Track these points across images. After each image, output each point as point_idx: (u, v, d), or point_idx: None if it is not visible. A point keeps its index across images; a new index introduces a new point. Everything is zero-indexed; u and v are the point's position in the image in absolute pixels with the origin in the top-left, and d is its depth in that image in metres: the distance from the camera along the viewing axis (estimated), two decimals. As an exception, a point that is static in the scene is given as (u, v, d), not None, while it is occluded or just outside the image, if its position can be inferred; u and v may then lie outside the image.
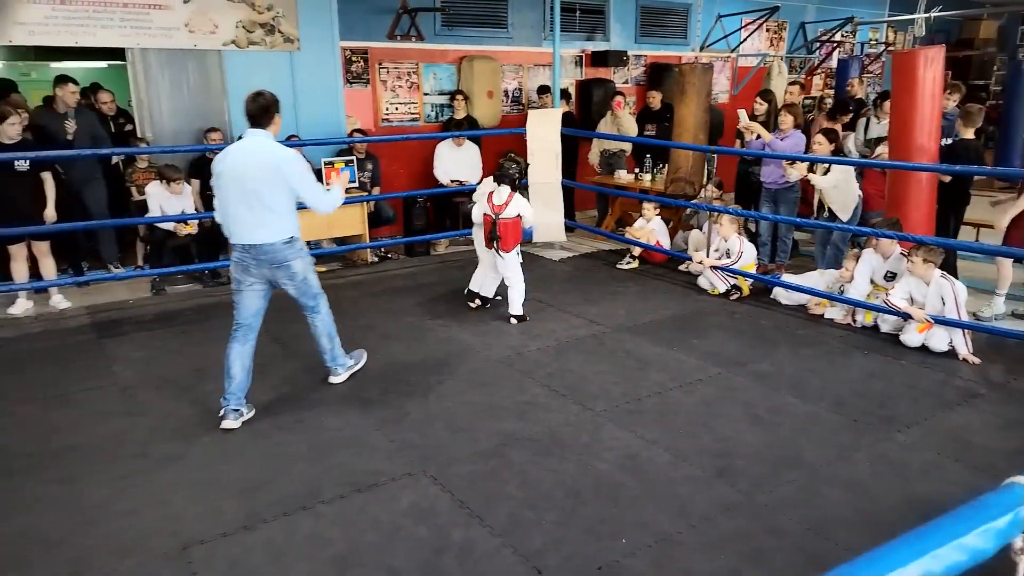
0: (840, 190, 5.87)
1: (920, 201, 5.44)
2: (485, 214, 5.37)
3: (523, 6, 8.84)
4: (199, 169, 6.81)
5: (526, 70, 9.08)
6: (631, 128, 8.14)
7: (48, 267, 5.85)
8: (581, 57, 9.55)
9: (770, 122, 6.77)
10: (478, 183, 6.00)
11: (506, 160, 5.45)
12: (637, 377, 4.46)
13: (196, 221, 6.43)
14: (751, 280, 6.14)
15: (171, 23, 6.48)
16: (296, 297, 4.07)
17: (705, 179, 7.23)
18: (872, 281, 5.28)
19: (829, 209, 6.00)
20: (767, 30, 11.04)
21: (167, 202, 6.28)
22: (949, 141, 5.73)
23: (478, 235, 5.52)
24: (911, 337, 4.87)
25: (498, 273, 5.58)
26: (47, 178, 5.72)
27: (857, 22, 11.01)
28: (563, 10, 8.01)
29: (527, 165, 5.64)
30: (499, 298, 5.66)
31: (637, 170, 8.12)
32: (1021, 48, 11.94)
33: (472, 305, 5.70)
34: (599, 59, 9.52)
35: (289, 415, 3.98)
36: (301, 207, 3.91)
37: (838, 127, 7.07)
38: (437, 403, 4.12)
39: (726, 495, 3.19)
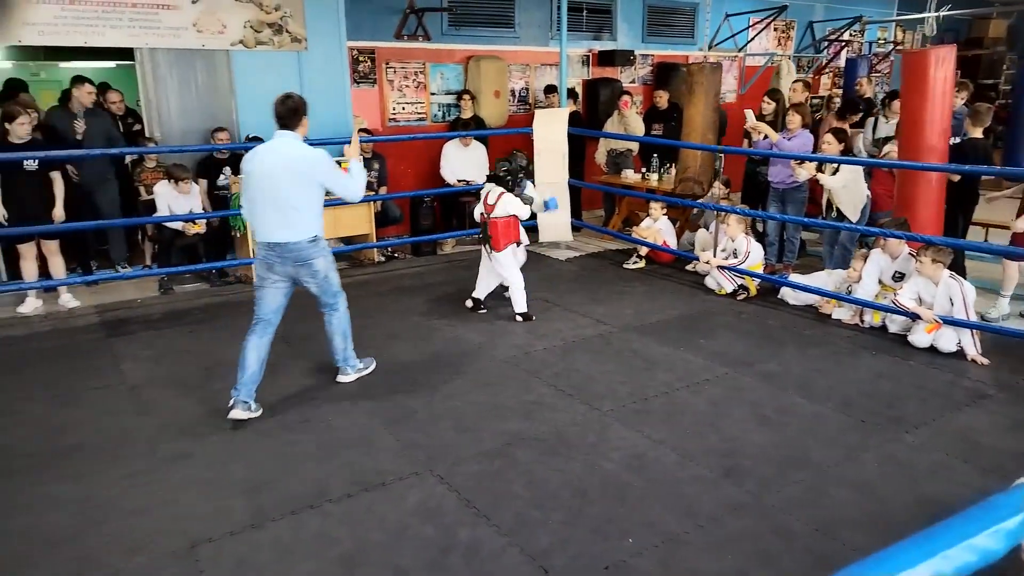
0: (849, 190, 5.85)
1: (929, 201, 5.41)
2: (480, 214, 5.42)
3: (530, 6, 8.84)
4: (207, 169, 6.85)
5: (533, 70, 9.08)
6: (638, 128, 8.13)
7: (57, 266, 5.88)
8: (588, 57, 9.54)
9: (778, 122, 6.75)
10: (484, 183, 6.00)
11: (499, 160, 5.50)
12: (644, 377, 4.45)
13: (204, 220, 6.45)
14: (758, 280, 6.12)
15: (179, 23, 6.51)
16: (317, 295, 4.15)
17: (712, 179, 7.21)
18: (880, 281, 5.26)
19: (837, 209, 5.97)
20: (775, 29, 11.00)
21: (175, 201, 6.31)
22: (957, 140, 5.70)
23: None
24: (919, 337, 4.84)
25: (494, 275, 5.59)
26: (56, 178, 5.75)
27: (865, 21, 10.97)
28: (570, 9, 8.01)
29: (523, 163, 5.63)
30: (506, 294, 5.65)
31: (644, 170, 8.11)
32: (1031, 47, 11.87)
33: (467, 305, 5.69)
34: (606, 59, 9.52)
35: (296, 414, 3.99)
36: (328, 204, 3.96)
37: (847, 126, 7.04)
38: (444, 403, 4.12)
39: (733, 495, 3.18)
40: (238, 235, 6.68)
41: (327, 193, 4.00)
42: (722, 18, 9.86)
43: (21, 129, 5.46)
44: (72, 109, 6.20)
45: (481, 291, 5.67)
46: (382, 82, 7.94)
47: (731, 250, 6.16)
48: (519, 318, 5.44)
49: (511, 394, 4.22)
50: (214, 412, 4.00)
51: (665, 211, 7.09)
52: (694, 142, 7.00)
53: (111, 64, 9.91)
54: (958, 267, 5.46)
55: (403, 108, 8.16)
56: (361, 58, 7.75)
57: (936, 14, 5.80)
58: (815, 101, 10.43)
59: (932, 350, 4.80)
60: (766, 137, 6.36)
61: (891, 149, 6.13)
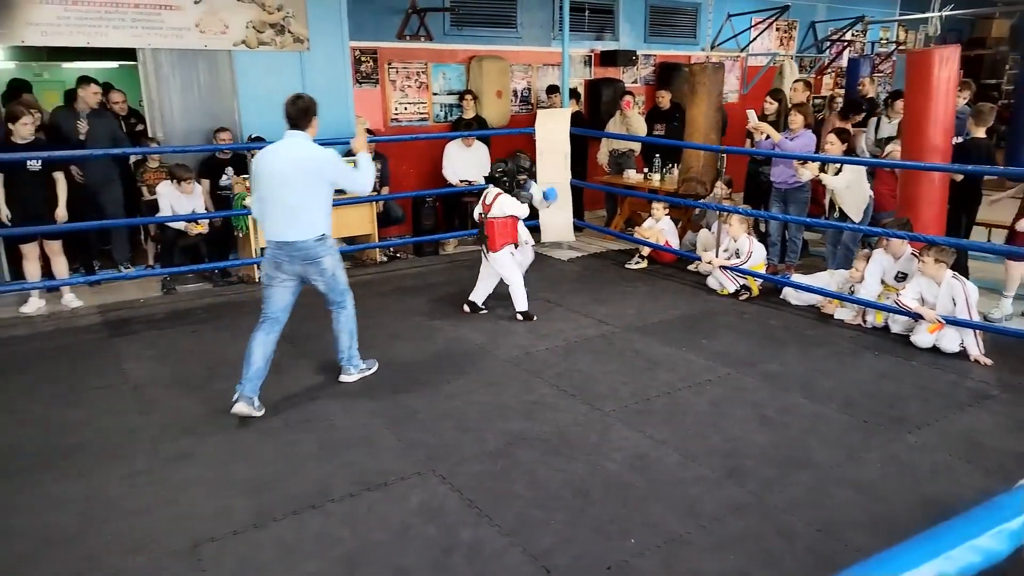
0: (852, 190, 5.85)
1: (931, 200, 5.41)
2: (479, 214, 5.44)
3: (532, 6, 8.84)
4: (209, 169, 6.85)
5: (535, 70, 9.08)
6: (640, 128, 8.12)
7: (60, 266, 5.89)
8: (590, 57, 9.54)
9: (780, 122, 6.74)
10: (485, 184, 6.01)
11: (496, 161, 5.53)
12: (646, 377, 4.45)
13: (206, 220, 6.46)
14: (760, 280, 6.12)
15: (182, 23, 6.52)
16: (324, 293, 4.18)
17: (715, 179, 7.21)
18: (883, 281, 5.26)
19: (840, 209, 5.97)
20: (777, 29, 11.00)
21: (178, 202, 6.31)
22: (960, 140, 5.69)
23: None
24: (922, 338, 4.84)
25: (493, 278, 5.59)
26: (59, 178, 5.76)
27: (868, 21, 10.95)
28: (572, 10, 8.01)
29: (526, 164, 5.64)
30: (484, 310, 5.65)
31: (646, 170, 8.11)
32: (1034, 47, 11.85)
33: (465, 310, 5.67)
34: (608, 59, 9.51)
35: (299, 414, 4.00)
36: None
37: (850, 126, 7.03)
38: (446, 402, 4.12)
39: (735, 495, 3.18)
40: (240, 235, 6.69)
41: (336, 192, 4.06)
42: (724, 18, 9.86)
43: (24, 129, 5.48)
44: (77, 109, 6.21)
45: (478, 295, 5.66)
46: (384, 82, 7.95)
47: (733, 250, 6.15)
48: (519, 316, 5.44)
49: (513, 394, 4.22)
50: (216, 412, 4.00)
51: (667, 211, 7.09)
52: (697, 142, 7.00)
53: (114, 64, 9.93)
54: (961, 267, 5.46)
55: (405, 108, 8.16)
56: (363, 58, 7.76)
57: (940, 14, 5.79)
58: (817, 101, 10.42)
59: (935, 350, 4.79)
60: (768, 137, 6.36)
61: (893, 149, 6.13)
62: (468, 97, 7.99)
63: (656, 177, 7.88)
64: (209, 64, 6.84)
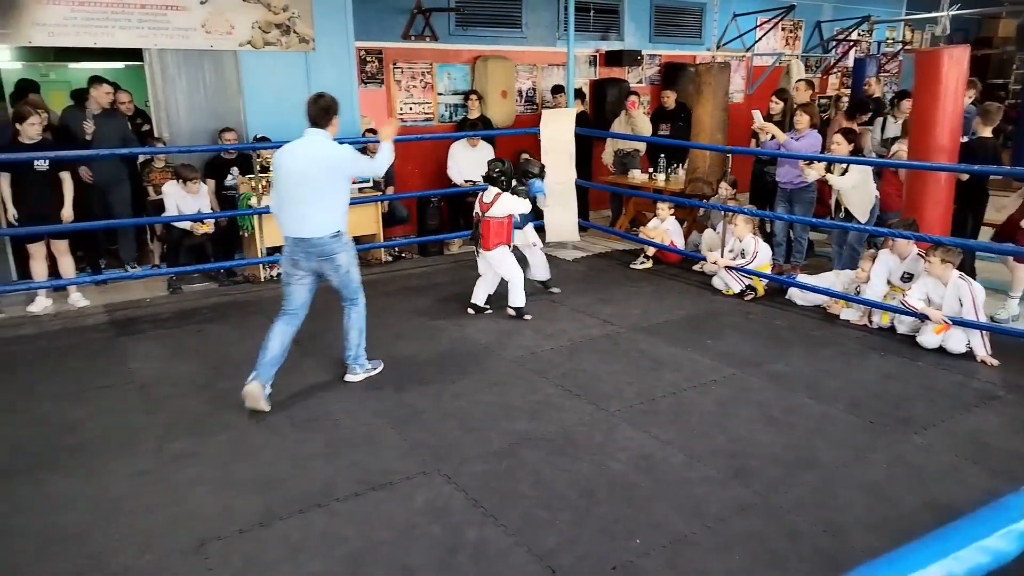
0: (858, 190, 5.83)
1: (937, 200, 5.39)
2: (475, 212, 5.45)
3: (537, 6, 8.84)
4: (215, 169, 6.87)
5: (540, 70, 9.08)
6: (645, 128, 8.12)
7: (67, 266, 5.92)
8: (595, 57, 9.54)
9: (785, 121, 6.73)
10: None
11: (492, 160, 5.55)
12: (651, 377, 4.44)
13: (212, 220, 6.48)
14: (766, 280, 6.11)
15: (188, 24, 6.54)
16: (338, 288, 4.24)
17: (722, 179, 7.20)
18: (889, 282, 5.24)
19: (846, 209, 5.95)
20: (782, 29, 10.97)
21: (183, 201, 6.33)
22: (966, 139, 5.68)
23: None
24: (928, 338, 4.82)
25: (492, 278, 5.59)
26: (65, 178, 5.78)
27: (874, 21, 10.93)
28: (577, 10, 8.00)
29: (536, 169, 5.67)
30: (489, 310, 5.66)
31: (651, 170, 8.10)
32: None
33: (469, 312, 5.67)
34: (613, 59, 9.51)
35: (304, 413, 4.01)
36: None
37: (856, 126, 7.01)
38: (451, 402, 4.13)
39: (741, 496, 3.17)
40: (246, 235, 6.71)
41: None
42: (730, 18, 9.84)
43: (32, 129, 5.50)
44: (90, 109, 6.23)
45: (479, 297, 5.65)
46: (389, 82, 7.96)
47: (739, 250, 6.14)
48: (511, 312, 5.45)
49: (518, 394, 4.22)
50: (222, 411, 4.02)
51: (672, 211, 7.08)
52: (703, 142, 6.99)
53: (120, 65, 9.96)
54: (968, 268, 5.44)
55: (410, 108, 8.17)
56: (368, 58, 7.76)
57: (947, 13, 5.78)
58: (823, 101, 10.40)
59: (941, 351, 4.77)
60: (773, 137, 6.34)
61: (900, 149, 6.11)
62: (473, 97, 8.00)
63: (661, 177, 7.87)
64: (215, 64, 6.86)
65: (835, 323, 5.43)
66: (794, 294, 5.90)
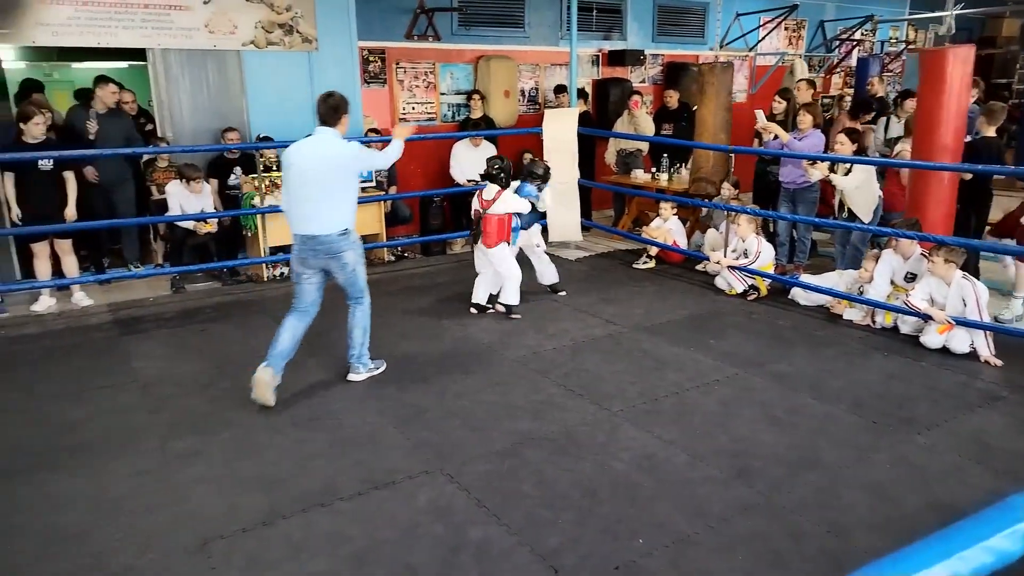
0: (862, 191, 5.82)
1: (940, 200, 5.38)
2: (475, 210, 5.46)
3: (540, 5, 8.84)
4: (218, 168, 6.88)
5: (543, 69, 9.07)
6: (648, 127, 8.11)
7: (70, 265, 5.93)
8: (598, 56, 9.53)
9: (788, 121, 6.72)
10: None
11: (491, 158, 5.56)
12: (654, 377, 4.44)
13: (215, 220, 6.48)
14: (769, 280, 6.10)
15: (191, 24, 6.55)
16: (344, 287, 4.27)
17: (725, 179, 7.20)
18: (892, 282, 5.23)
19: (849, 209, 5.94)
20: (785, 28, 10.96)
21: (187, 201, 6.34)
22: (969, 138, 5.67)
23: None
24: (931, 338, 4.81)
25: (493, 276, 5.59)
26: (69, 177, 5.79)
27: (877, 20, 10.91)
28: (580, 9, 8.00)
29: (540, 170, 5.68)
30: (491, 308, 5.67)
31: (654, 170, 8.09)
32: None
33: (472, 312, 5.67)
34: (616, 58, 9.51)
35: (307, 412, 4.01)
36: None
37: (859, 126, 7.00)
38: (454, 402, 4.13)
39: (744, 496, 3.17)
40: (249, 234, 6.72)
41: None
42: (732, 17, 9.83)
43: (36, 129, 5.51)
44: (95, 108, 6.25)
45: (480, 296, 5.65)
46: (392, 82, 7.96)
47: (742, 250, 6.14)
48: (501, 307, 5.46)
49: (521, 394, 4.22)
50: (225, 410, 4.03)
51: (675, 211, 7.08)
52: (706, 142, 6.98)
53: (123, 64, 9.98)
54: (971, 268, 5.43)
55: (413, 108, 8.17)
56: (371, 58, 7.77)
57: (952, 12, 5.76)
58: (826, 101, 10.38)
59: (944, 351, 4.77)
60: (776, 137, 6.33)
61: (903, 149, 6.10)
62: (476, 97, 8.00)
63: (664, 177, 7.86)
64: (218, 64, 6.87)
65: (838, 323, 5.42)
66: (797, 294, 5.90)
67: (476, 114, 7.98)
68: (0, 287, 5.78)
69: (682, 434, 3.72)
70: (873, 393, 4.21)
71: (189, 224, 6.36)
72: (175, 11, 6.45)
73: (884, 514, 3.04)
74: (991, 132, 5.53)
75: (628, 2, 9.58)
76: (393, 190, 7.43)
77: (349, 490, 3.24)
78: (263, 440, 3.71)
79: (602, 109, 9.24)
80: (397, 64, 7.96)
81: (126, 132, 6.40)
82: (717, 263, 6.22)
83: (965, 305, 4.69)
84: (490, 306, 5.66)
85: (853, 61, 11.41)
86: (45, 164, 5.57)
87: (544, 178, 5.70)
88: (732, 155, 7.13)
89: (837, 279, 5.74)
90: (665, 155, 7.97)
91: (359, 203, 4.41)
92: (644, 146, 8.35)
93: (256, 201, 6.44)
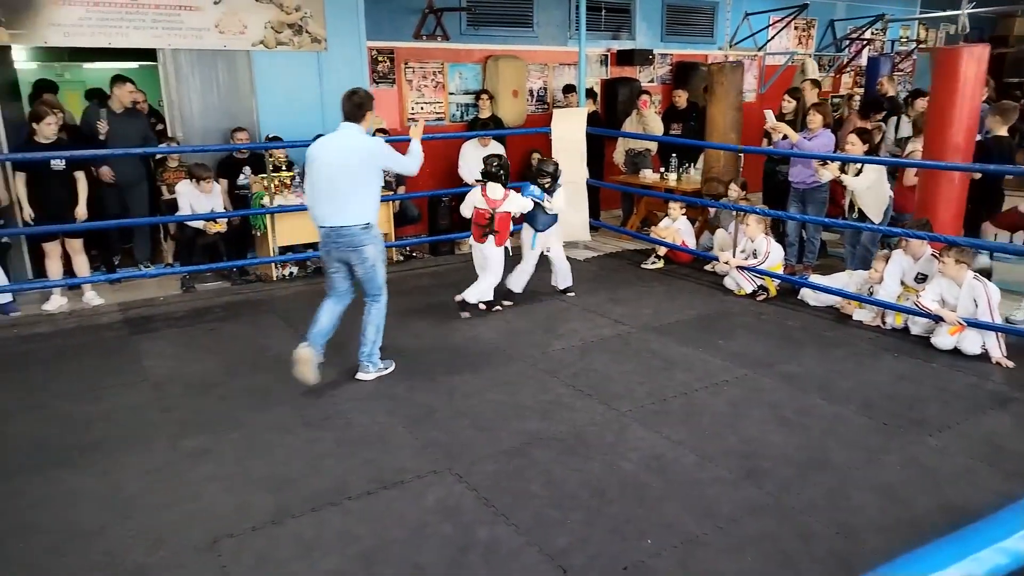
0: (873, 191, 5.79)
1: (950, 199, 5.35)
2: (479, 208, 5.44)
3: (549, 5, 8.84)
4: (228, 168, 6.91)
5: (551, 69, 9.07)
6: (657, 127, 8.10)
7: (81, 264, 5.97)
8: (607, 56, 9.52)
9: (797, 120, 6.70)
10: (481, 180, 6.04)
11: (488, 156, 5.59)
12: (662, 377, 4.44)
13: (225, 219, 6.51)
14: (778, 281, 6.08)
15: (201, 24, 6.58)
16: (362, 281, 4.33)
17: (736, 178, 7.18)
18: (903, 283, 5.21)
19: (859, 209, 5.92)
20: (795, 28, 10.92)
21: (197, 201, 6.38)
22: (979, 138, 5.63)
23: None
24: (942, 339, 4.79)
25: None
26: (80, 177, 5.83)
27: (888, 19, 10.85)
28: (589, 9, 7.99)
29: (550, 168, 5.70)
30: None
31: (662, 169, 8.08)
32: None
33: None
34: (625, 58, 9.49)
35: (317, 411, 4.02)
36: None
37: (870, 126, 6.97)
38: (462, 401, 4.13)
39: (753, 497, 3.16)
40: (258, 234, 6.74)
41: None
42: (742, 17, 9.80)
43: (48, 129, 5.55)
44: (112, 108, 6.29)
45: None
46: (401, 82, 7.98)
47: (751, 250, 6.12)
48: (460, 299, 5.47)
49: (529, 393, 4.22)
50: (235, 409, 4.04)
51: (684, 211, 7.06)
52: (716, 142, 6.96)
53: (133, 64, 10.04)
54: (983, 268, 5.39)
55: (422, 108, 8.18)
56: (380, 58, 7.78)
57: (965, 11, 5.73)
58: (835, 100, 10.34)
59: (955, 352, 4.74)
60: (785, 137, 6.31)
61: (914, 149, 6.06)
62: (484, 97, 8.00)
63: (673, 177, 7.85)
64: (228, 64, 6.90)
65: (848, 324, 5.40)
66: (806, 295, 5.87)
67: (485, 114, 7.99)
68: (12, 286, 5.82)
69: (691, 434, 3.72)
70: (883, 394, 4.19)
71: (199, 224, 6.39)
72: (185, 11, 6.49)
73: (894, 516, 3.03)
74: (1003, 131, 5.50)
75: (637, 2, 9.56)
76: (401, 190, 7.44)
77: (358, 489, 3.25)
78: (273, 439, 3.73)
79: (611, 109, 9.22)
80: (406, 64, 7.97)
81: (143, 132, 6.44)
82: (726, 263, 6.20)
83: (976, 306, 4.66)
84: (505, 303, 5.70)
85: (863, 61, 11.36)
86: (57, 164, 5.61)
87: (555, 177, 5.71)
88: (742, 155, 7.10)
89: (847, 280, 5.71)
90: (674, 155, 7.95)
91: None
92: (653, 146, 8.33)
93: (265, 201, 6.46)
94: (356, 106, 4.13)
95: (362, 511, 3.09)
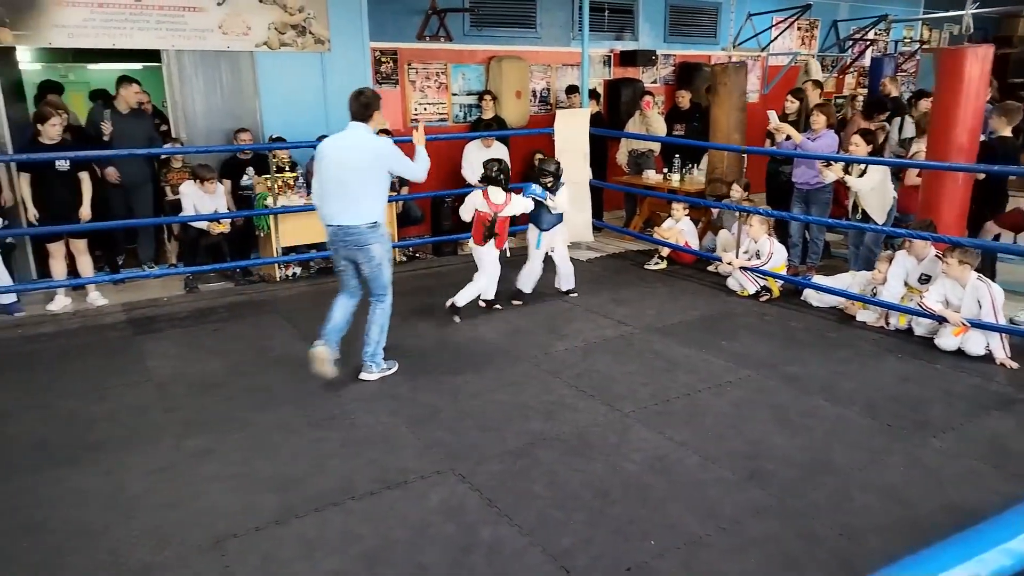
0: (877, 192, 5.79)
1: (954, 200, 5.34)
2: (481, 211, 5.45)
3: (552, 6, 8.84)
4: (231, 169, 6.93)
5: (554, 70, 9.07)
6: (660, 128, 8.10)
7: (85, 265, 5.99)
8: (610, 57, 9.52)
9: (800, 121, 6.69)
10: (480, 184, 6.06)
11: (488, 161, 5.60)
12: (665, 378, 4.43)
13: (228, 220, 6.52)
14: (781, 282, 6.07)
15: (205, 25, 6.60)
16: (368, 280, 4.36)
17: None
18: (906, 284, 5.20)
19: (863, 210, 5.91)
20: (798, 28, 10.91)
21: (200, 201, 6.39)
22: (983, 138, 5.62)
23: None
24: (946, 341, 4.78)
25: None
26: (84, 178, 5.85)
27: (891, 20, 10.85)
28: (592, 10, 8.00)
29: (551, 167, 5.71)
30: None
31: (666, 170, 8.08)
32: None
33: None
34: (628, 59, 9.49)
35: (320, 412, 4.03)
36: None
37: (874, 126, 6.96)
38: (466, 402, 4.14)
39: (756, 498, 3.16)
40: (261, 235, 6.76)
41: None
42: (745, 17, 9.80)
43: (52, 130, 5.57)
44: (118, 109, 6.30)
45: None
46: (404, 83, 7.99)
47: (754, 251, 6.11)
48: (450, 305, 5.45)
49: (533, 394, 4.22)
50: (239, 409, 4.05)
51: (687, 212, 7.06)
52: (720, 143, 6.96)
53: (137, 65, 10.06)
54: (987, 269, 5.39)
55: (425, 109, 8.19)
56: (383, 59, 7.79)
57: (969, 12, 5.73)
58: (839, 101, 10.32)
59: (959, 353, 4.73)
60: (789, 138, 6.31)
61: (919, 150, 6.05)
62: (487, 97, 8.01)
63: (676, 177, 7.85)
64: (231, 65, 6.92)
65: (851, 325, 5.39)
66: (810, 295, 5.87)
67: (488, 115, 7.99)
68: (17, 286, 5.84)
69: (694, 436, 3.71)
70: (887, 395, 4.18)
71: (203, 224, 6.40)
72: (189, 12, 6.50)
73: (897, 517, 3.02)
74: (1007, 132, 5.49)
75: (640, 2, 9.56)
76: (405, 190, 7.45)
77: (362, 490, 3.25)
78: (276, 439, 3.73)
79: (614, 109, 9.23)
80: (409, 65, 7.98)
81: (149, 132, 6.46)
82: (729, 264, 6.20)
83: (980, 307, 4.65)
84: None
85: (866, 61, 11.35)
86: (62, 165, 5.63)
87: (557, 176, 5.71)
88: (745, 155, 7.10)
89: (850, 280, 5.71)
90: (677, 156, 7.95)
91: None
92: (656, 147, 8.33)
93: (269, 201, 6.48)
94: (363, 106, 4.16)
95: (365, 511, 3.09)
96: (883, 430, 3.78)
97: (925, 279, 5.09)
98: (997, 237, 5.83)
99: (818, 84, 7.53)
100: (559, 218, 5.80)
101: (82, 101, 8.67)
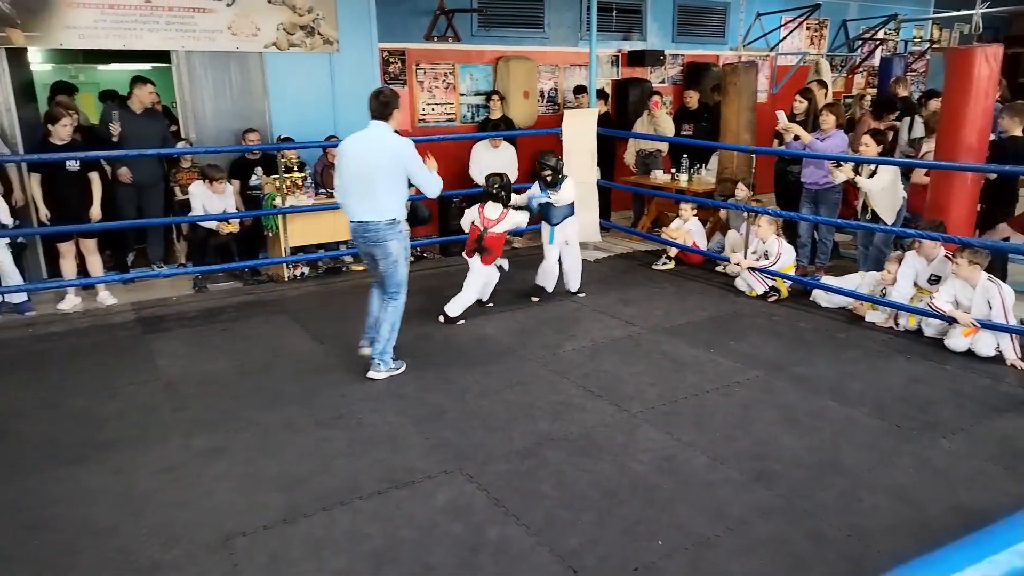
0: (887, 192, 5.76)
1: (963, 200, 5.31)
2: (474, 224, 5.49)
3: (559, 6, 8.84)
4: (240, 169, 6.95)
5: (562, 70, 9.07)
6: (668, 128, 8.08)
7: (95, 264, 6.02)
8: (618, 57, 9.51)
9: (809, 121, 6.66)
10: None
11: (490, 175, 5.62)
12: (673, 379, 4.43)
13: (237, 220, 6.55)
14: (790, 282, 6.05)
15: (214, 26, 6.62)
16: (383, 276, 4.42)
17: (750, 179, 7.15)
18: (916, 284, 5.17)
19: (872, 210, 5.88)
20: (807, 28, 10.87)
21: (209, 201, 6.42)
22: (992, 137, 5.59)
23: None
24: (956, 341, 4.75)
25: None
26: (94, 178, 5.88)
27: (901, 19, 10.79)
28: (600, 10, 7.98)
29: (552, 162, 5.69)
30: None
31: (673, 170, 8.06)
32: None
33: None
34: (636, 59, 9.48)
35: (328, 411, 4.04)
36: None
37: (884, 127, 6.92)
38: (473, 402, 4.14)
39: (764, 499, 3.15)
40: (270, 235, 6.78)
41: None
42: (754, 17, 9.77)
43: (63, 131, 5.60)
44: (132, 109, 6.33)
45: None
46: (412, 83, 8.00)
47: (762, 251, 6.10)
48: (443, 318, 5.45)
49: (540, 394, 4.22)
50: (247, 408, 4.07)
51: (695, 212, 7.04)
52: (730, 142, 6.94)
53: (147, 66, 10.12)
54: (998, 270, 5.35)
55: (433, 109, 8.20)
56: (392, 59, 7.81)
57: (979, 11, 5.70)
58: (847, 100, 10.28)
59: (969, 354, 4.70)
60: (797, 138, 6.28)
61: (929, 150, 6.02)
62: (495, 98, 8.01)
63: (684, 177, 7.83)
64: (240, 66, 6.94)
65: (860, 325, 5.37)
66: (818, 296, 5.84)
67: (495, 115, 8.00)
68: (27, 286, 5.88)
69: (702, 436, 3.71)
70: (896, 396, 4.16)
71: (211, 224, 6.43)
72: (199, 13, 6.53)
73: (906, 518, 3.01)
74: (1018, 131, 5.45)
75: (648, 2, 9.55)
76: (413, 191, 7.45)
77: (369, 489, 3.26)
78: (284, 438, 3.75)
79: (622, 109, 9.21)
80: (417, 65, 8.00)
81: (162, 132, 6.48)
82: (737, 264, 6.18)
83: (990, 307, 4.62)
84: (490, 303, 5.80)
85: (876, 61, 11.29)
86: (72, 165, 5.66)
87: (556, 168, 5.69)
88: (754, 155, 7.08)
89: (859, 281, 5.68)
90: (685, 156, 7.94)
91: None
92: (664, 147, 8.32)
93: (277, 202, 6.50)
94: (383, 104, 4.25)
95: (372, 511, 3.10)
96: (892, 431, 3.76)
97: (935, 280, 5.06)
98: (1006, 239, 5.79)
99: (823, 84, 7.49)
100: (569, 210, 5.78)
101: (92, 102, 8.72)
